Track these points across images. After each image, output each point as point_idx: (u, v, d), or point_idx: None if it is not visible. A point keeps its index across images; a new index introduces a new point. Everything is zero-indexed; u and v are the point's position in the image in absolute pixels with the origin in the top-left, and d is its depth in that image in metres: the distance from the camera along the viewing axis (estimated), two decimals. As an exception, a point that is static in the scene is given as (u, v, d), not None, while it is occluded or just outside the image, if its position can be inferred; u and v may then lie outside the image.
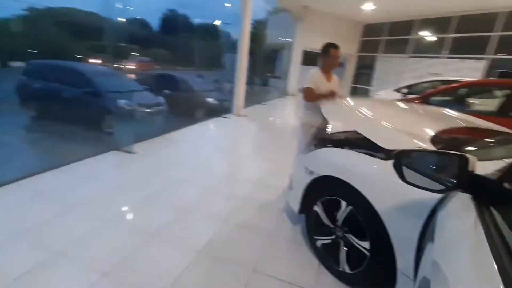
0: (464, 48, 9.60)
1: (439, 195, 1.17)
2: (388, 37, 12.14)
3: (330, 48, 2.71)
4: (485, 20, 8.85)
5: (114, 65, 6.38)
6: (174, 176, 3.18)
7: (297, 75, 12.33)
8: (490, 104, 3.87)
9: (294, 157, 3.07)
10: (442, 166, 1.00)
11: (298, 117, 2.98)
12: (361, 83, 13.52)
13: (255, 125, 6.70)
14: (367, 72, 13.07)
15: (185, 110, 6.82)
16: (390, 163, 1.54)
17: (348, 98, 2.74)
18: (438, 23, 10.29)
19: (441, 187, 0.97)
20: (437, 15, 10.10)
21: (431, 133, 1.66)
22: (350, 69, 13.76)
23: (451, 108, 2.64)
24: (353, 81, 13.94)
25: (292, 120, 7.61)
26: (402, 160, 1.01)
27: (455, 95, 4.34)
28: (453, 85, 4.49)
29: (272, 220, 2.45)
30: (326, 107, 2.41)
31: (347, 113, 2.38)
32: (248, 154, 4.53)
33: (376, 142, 1.59)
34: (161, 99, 5.85)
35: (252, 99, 9.11)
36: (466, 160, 0.92)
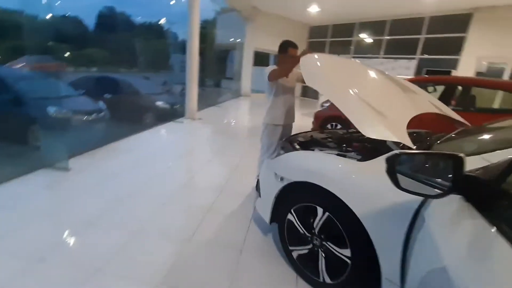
0: (398, 49, 10.64)
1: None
2: (333, 38, 12.84)
3: (288, 46, 2.62)
4: (413, 24, 9.92)
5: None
6: (120, 193, 2.74)
7: (250, 75, 12.28)
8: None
9: (257, 160, 2.92)
10: (435, 168, 0.92)
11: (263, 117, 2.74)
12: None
13: (212, 128, 6.38)
14: (316, 71, 13.63)
15: (131, 115, 6.19)
16: (367, 164, 1.49)
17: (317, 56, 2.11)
18: (374, 27, 11.22)
19: (436, 191, 0.89)
20: (373, 19, 11.01)
21: (408, 116, 1.59)
22: (300, 69, 14.19)
23: None
24: (302, 81, 14.41)
25: (250, 122, 7.50)
26: (396, 165, 0.90)
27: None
28: None
29: (241, 232, 2.24)
30: (305, 61, 1.98)
31: (322, 76, 1.91)
32: (206, 160, 4.23)
33: (355, 124, 1.42)
34: (101, 105, 5.17)
35: (205, 101, 8.75)
36: (461, 161, 0.84)
